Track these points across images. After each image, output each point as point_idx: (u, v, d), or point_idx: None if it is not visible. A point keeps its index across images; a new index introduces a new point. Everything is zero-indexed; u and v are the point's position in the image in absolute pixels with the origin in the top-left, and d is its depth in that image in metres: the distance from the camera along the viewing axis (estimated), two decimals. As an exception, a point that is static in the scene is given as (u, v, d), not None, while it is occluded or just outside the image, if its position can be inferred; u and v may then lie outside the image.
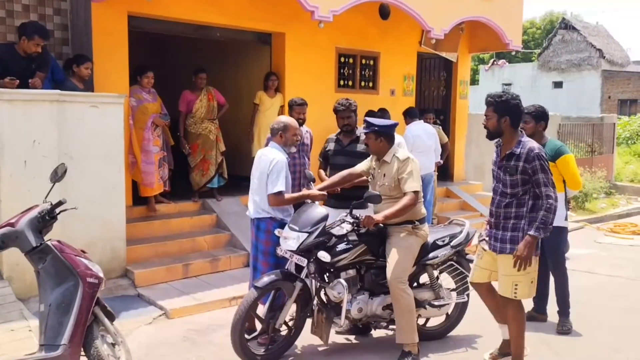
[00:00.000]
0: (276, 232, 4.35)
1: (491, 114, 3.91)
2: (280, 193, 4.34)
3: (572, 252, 7.76)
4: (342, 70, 8.77)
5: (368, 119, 4.47)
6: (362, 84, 9.09)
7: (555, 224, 4.63)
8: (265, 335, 4.26)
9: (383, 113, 7.53)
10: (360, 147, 5.18)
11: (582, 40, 28.21)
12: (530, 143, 3.86)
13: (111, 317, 3.82)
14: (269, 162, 4.38)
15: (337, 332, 4.62)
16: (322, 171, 5.36)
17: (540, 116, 4.93)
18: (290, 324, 4.36)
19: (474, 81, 32.83)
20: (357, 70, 8.95)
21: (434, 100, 10.64)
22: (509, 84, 30.65)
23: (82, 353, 3.46)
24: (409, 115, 8.03)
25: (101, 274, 3.63)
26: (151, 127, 6.57)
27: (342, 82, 8.77)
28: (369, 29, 8.88)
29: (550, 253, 4.94)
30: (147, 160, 6.53)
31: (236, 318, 4.03)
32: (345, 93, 8.65)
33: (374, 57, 9.15)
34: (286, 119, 4.65)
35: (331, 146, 5.28)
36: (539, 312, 5.16)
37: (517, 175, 3.83)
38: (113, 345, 3.73)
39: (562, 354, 4.51)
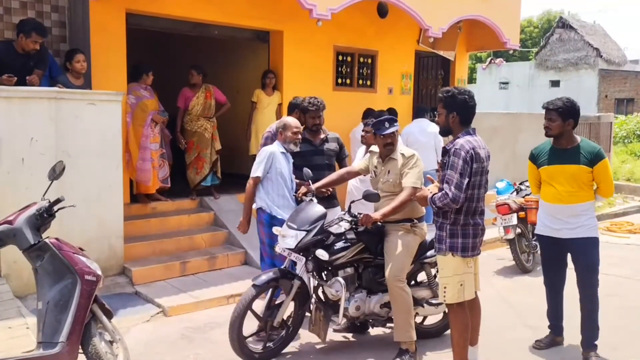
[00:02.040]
0: (274, 230, 4.37)
1: (441, 109, 3.77)
2: (257, 178, 4.60)
3: (569, 251, 7.79)
4: (340, 69, 8.77)
5: (388, 117, 4.42)
6: (360, 82, 9.09)
7: (587, 234, 4.21)
8: (263, 333, 4.27)
9: (378, 112, 7.51)
10: (333, 145, 5.23)
11: (579, 39, 28.28)
12: (462, 141, 3.64)
13: (109, 315, 3.83)
14: (258, 153, 4.69)
15: (335, 330, 4.63)
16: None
17: (569, 112, 4.19)
18: (288, 322, 4.37)
19: (471, 80, 32.91)
20: (355, 68, 8.96)
21: (432, 99, 10.64)
22: (506, 83, 30.71)
23: (80, 351, 3.46)
24: (414, 112, 8.06)
25: (99, 272, 3.63)
26: (151, 124, 6.57)
27: (340, 81, 8.78)
28: (367, 28, 8.88)
29: (583, 268, 4.27)
30: (143, 157, 6.53)
31: (234, 316, 4.04)
32: (343, 91, 8.68)
33: (372, 55, 9.15)
34: (287, 118, 4.80)
35: (302, 147, 5.03)
36: (556, 335, 4.57)
37: (446, 170, 3.70)
38: (111, 342, 3.73)
39: (559, 352, 4.53)
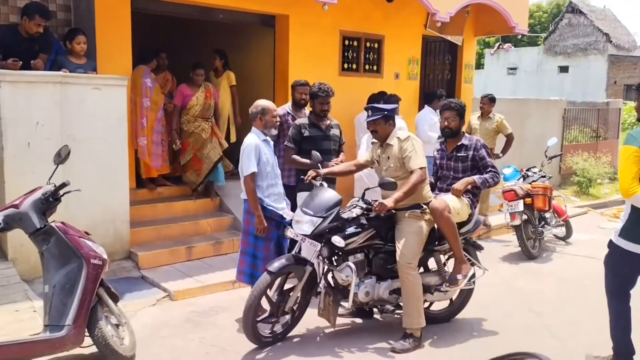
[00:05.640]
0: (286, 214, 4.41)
1: (455, 116, 4.72)
2: (253, 174, 4.41)
3: (576, 238, 7.77)
4: (346, 54, 8.68)
5: (376, 105, 4.43)
6: (367, 67, 9.01)
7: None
8: (273, 318, 4.29)
9: (390, 97, 7.44)
10: (337, 131, 5.27)
11: (588, 24, 27.95)
12: (474, 137, 4.73)
13: (115, 299, 3.86)
14: (242, 148, 4.48)
15: (340, 315, 4.64)
16: (297, 157, 5.11)
17: None
18: (294, 307, 4.38)
19: (479, 65, 32.62)
20: (361, 53, 8.87)
21: (439, 84, 10.55)
22: (514, 68, 30.48)
23: (86, 334, 3.49)
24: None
25: (105, 256, 3.65)
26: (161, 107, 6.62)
27: (346, 66, 8.70)
28: (373, 12, 8.78)
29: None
30: (156, 140, 6.54)
31: (250, 301, 4.03)
32: (350, 77, 8.61)
33: (378, 40, 9.06)
34: (263, 102, 4.64)
35: (312, 132, 5.12)
36: None
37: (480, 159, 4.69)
38: (117, 326, 3.77)
39: (563, 338, 4.53)
